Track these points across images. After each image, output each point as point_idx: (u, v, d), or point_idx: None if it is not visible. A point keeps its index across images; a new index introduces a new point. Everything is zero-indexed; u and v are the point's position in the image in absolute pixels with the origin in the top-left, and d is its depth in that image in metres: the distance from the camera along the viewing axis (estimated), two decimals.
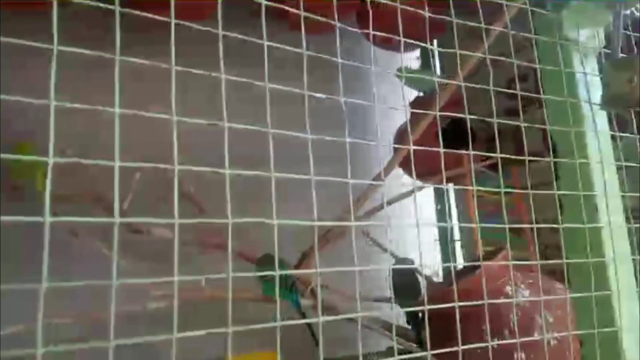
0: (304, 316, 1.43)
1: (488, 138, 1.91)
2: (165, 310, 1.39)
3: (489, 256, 1.36)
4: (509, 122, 0.58)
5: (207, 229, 1.51)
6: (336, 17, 0.50)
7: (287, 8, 0.49)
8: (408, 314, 1.46)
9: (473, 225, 2.09)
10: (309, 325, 1.40)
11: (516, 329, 1.09)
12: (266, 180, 0.48)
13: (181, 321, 0.43)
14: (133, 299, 1.24)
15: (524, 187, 0.65)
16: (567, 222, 0.62)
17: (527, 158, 0.55)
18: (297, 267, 1.56)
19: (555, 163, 0.64)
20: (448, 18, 0.57)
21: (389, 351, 1.58)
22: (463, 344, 0.86)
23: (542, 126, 0.58)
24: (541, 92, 0.65)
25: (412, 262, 1.48)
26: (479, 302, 0.61)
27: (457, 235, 2.12)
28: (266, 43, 0.45)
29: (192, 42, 0.49)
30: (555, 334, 1.06)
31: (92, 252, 1.39)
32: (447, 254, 2.14)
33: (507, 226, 0.57)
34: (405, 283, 1.42)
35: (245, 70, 0.47)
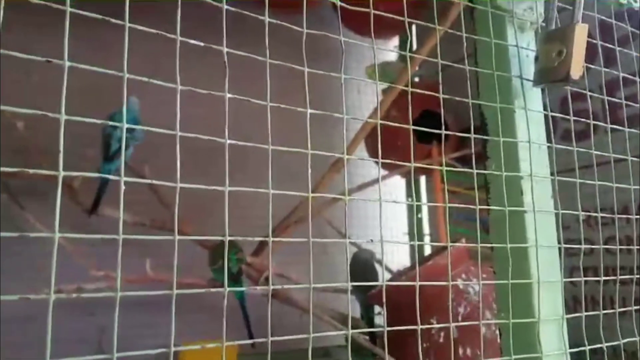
0: (243, 309, 1.39)
1: (460, 130, 1.88)
2: (106, 291, 1.35)
3: (444, 248, 1.33)
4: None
5: (161, 212, 1.46)
6: None
7: None
8: (362, 306, 1.43)
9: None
10: (245, 315, 1.36)
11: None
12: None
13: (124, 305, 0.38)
14: (72, 279, 1.20)
15: (490, 178, 0.61)
16: (493, 205, 0.58)
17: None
18: (254, 254, 1.52)
19: (486, 142, 0.59)
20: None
21: (346, 344, 1.54)
22: (409, 339, 0.82)
23: (466, 100, 0.53)
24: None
25: (372, 254, 1.44)
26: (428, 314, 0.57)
27: (426, 230, 2.08)
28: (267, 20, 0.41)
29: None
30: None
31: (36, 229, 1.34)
32: (415, 247, 2.10)
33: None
34: (362, 273, 1.39)
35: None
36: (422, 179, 2.14)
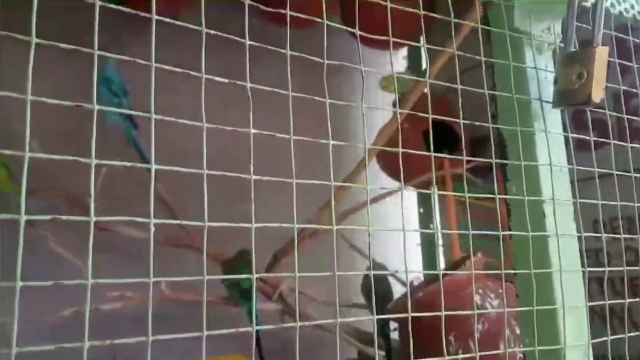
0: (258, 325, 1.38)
1: (472, 142, 1.87)
2: (124, 311, 1.35)
3: (462, 260, 1.32)
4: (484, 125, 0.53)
5: (176, 229, 1.46)
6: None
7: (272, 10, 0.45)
8: (378, 321, 1.42)
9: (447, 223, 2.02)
10: (257, 340, 1.36)
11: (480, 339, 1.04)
12: (243, 181, 0.44)
13: (140, 323, 0.39)
14: (83, 299, 1.19)
15: (508, 193, 0.60)
16: (515, 229, 0.57)
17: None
18: (268, 270, 1.52)
19: (506, 164, 0.59)
20: (415, 11, 0.53)
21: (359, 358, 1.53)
22: (428, 355, 0.82)
23: (486, 124, 0.53)
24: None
25: (386, 269, 1.43)
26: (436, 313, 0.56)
27: (439, 240, 2.07)
28: (248, 43, 0.41)
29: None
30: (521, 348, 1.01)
31: (48, 250, 1.35)
32: (428, 258, 2.09)
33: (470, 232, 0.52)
34: (377, 289, 1.38)
35: (228, 67, 0.43)
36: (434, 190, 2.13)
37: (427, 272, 2.08)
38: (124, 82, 1.45)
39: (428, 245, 2.06)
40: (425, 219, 2.14)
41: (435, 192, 2.08)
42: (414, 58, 2.23)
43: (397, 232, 0.63)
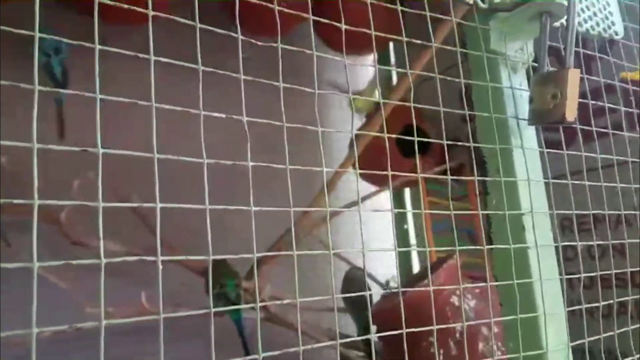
0: (241, 334, 1.39)
1: (442, 146, 1.92)
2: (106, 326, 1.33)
3: (438, 263, 1.36)
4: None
5: (150, 240, 1.45)
6: None
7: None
8: (359, 324, 1.44)
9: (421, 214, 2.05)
10: (243, 338, 1.37)
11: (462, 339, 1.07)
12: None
13: (123, 336, 0.39)
14: (64, 317, 1.18)
15: (488, 205, 0.63)
16: (496, 240, 0.60)
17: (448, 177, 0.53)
18: (247, 278, 1.53)
19: (485, 176, 0.62)
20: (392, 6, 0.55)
21: None
22: (411, 357, 0.84)
23: (467, 144, 0.56)
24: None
25: (363, 271, 1.46)
26: (428, 328, 0.59)
27: (412, 240, 2.11)
28: (198, 25, 0.42)
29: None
30: (499, 345, 1.05)
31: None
32: (404, 259, 2.13)
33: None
34: (356, 291, 1.40)
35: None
36: (407, 191, 2.17)
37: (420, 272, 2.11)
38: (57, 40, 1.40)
39: (403, 245, 2.10)
40: (400, 220, 2.18)
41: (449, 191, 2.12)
42: (383, 64, 2.27)
43: (375, 236, 0.65)
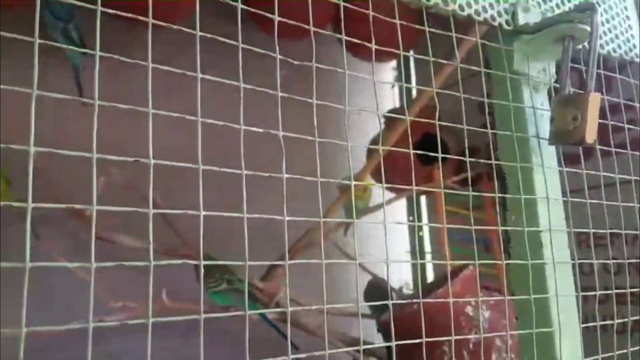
0: (270, 323, 1.41)
1: (460, 154, 1.93)
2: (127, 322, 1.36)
3: (453, 273, 1.37)
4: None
5: (173, 240, 1.49)
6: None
7: (264, 13, 0.48)
8: (382, 331, 1.46)
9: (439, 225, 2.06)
10: (277, 329, 1.39)
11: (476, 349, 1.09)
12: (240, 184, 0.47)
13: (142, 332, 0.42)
14: (93, 311, 1.21)
15: (494, 203, 0.65)
16: (513, 255, 0.62)
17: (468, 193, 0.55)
18: (263, 279, 1.55)
19: (505, 191, 0.64)
20: (421, 27, 0.57)
21: None
22: None
23: (488, 161, 0.58)
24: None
25: (386, 282, 1.48)
26: (445, 338, 0.61)
27: (428, 248, 2.12)
28: (241, 45, 0.45)
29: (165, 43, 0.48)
30: (513, 357, 1.06)
31: (50, 259, 1.36)
32: (417, 266, 2.14)
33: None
34: (379, 297, 1.42)
35: (221, 72, 0.46)
36: (423, 198, 2.18)
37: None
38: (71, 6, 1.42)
39: (419, 252, 2.12)
40: (415, 227, 2.19)
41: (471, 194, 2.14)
42: (402, 67, 2.29)
43: (389, 241, 0.68)
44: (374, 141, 2.03)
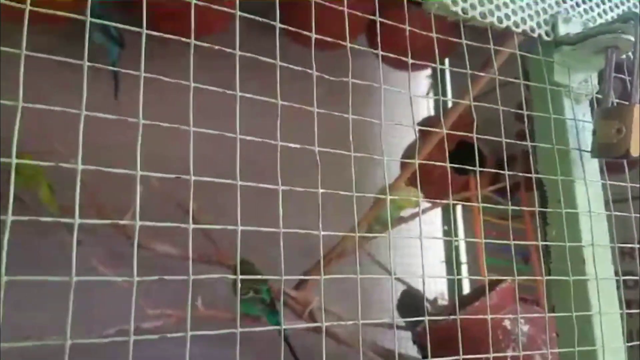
0: (287, 340, 1.41)
1: (497, 163, 1.89)
2: (163, 329, 1.39)
3: (491, 285, 1.35)
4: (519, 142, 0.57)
5: (207, 247, 1.51)
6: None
7: (301, 31, 0.49)
8: (417, 342, 1.44)
9: (477, 240, 2.02)
10: (290, 348, 1.39)
11: None
12: (273, 196, 0.48)
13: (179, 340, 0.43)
14: (127, 318, 1.25)
15: (533, 213, 0.64)
16: (554, 271, 0.60)
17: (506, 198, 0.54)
18: (296, 288, 1.56)
19: (545, 205, 0.62)
20: (457, 40, 0.57)
21: None
22: None
23: (528, 174, 0.57)
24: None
25: (420, 293, 1.47)
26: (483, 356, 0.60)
27: (463, 258, 2.09)
28: (279, 63, 0.46)
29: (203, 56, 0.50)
30: None
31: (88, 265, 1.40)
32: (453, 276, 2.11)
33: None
34: (415, 311, 1.41)
35: (256, 85, 0.47)
36: (459, 207, 2.16)
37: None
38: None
39: (452, 263, 2.09)
40: (450, 235, 2.16)
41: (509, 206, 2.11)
42: (437, 78, 2.27)
43: (423, 251, 0.67)
44: (408, 149, 2.02)
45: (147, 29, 0.41)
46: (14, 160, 0.34)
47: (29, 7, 0.39)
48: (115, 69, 1.42)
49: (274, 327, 0.46)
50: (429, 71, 2.31)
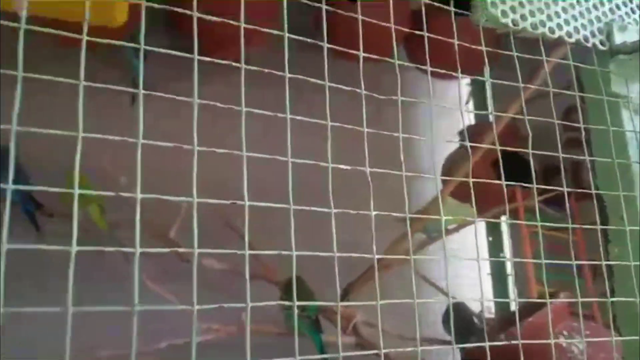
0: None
1: (544, 172, 1.83)
2: (211, 343, 1.41)
3: (542, 304, 1.30)
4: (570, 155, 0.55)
5: (252, 262, 1.51)
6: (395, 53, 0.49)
7: (343, 49, 0.49)
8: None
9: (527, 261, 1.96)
10: None
11: None
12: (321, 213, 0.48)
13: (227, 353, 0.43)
14: (180, 332, 1.27)
15: (584, 224, 0.61)
16: (619, 292, 0.57)
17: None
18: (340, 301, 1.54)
19: (606, 221, 0.60)
20: (505, 52, 0.55)
21: None
22: None
23: (588, 191, 0.54)
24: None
25: (464, 303, 1.43)
26: None
27: (509, 270, 2.03)
28: (327, 84, 0.46)
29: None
30: None
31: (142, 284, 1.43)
32: (499, 289, 2.05)
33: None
34: (465, 327, 1.38)
35: (300, 105, 0.48)
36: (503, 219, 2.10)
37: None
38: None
39: (499, 275, 2.03)
40: (495, 247, 2.11)
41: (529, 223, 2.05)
42: (477, 86, 2.23)
43: (467, 264, 0.65)
44: (450, 159, 1.98)
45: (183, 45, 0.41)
46: (77, 191, 0.35)
47: (85, 38, 0.40)
48: (166, 95, 1.45)
49: (333, 355, 0.45)
50: (468, 79, 2.27)
